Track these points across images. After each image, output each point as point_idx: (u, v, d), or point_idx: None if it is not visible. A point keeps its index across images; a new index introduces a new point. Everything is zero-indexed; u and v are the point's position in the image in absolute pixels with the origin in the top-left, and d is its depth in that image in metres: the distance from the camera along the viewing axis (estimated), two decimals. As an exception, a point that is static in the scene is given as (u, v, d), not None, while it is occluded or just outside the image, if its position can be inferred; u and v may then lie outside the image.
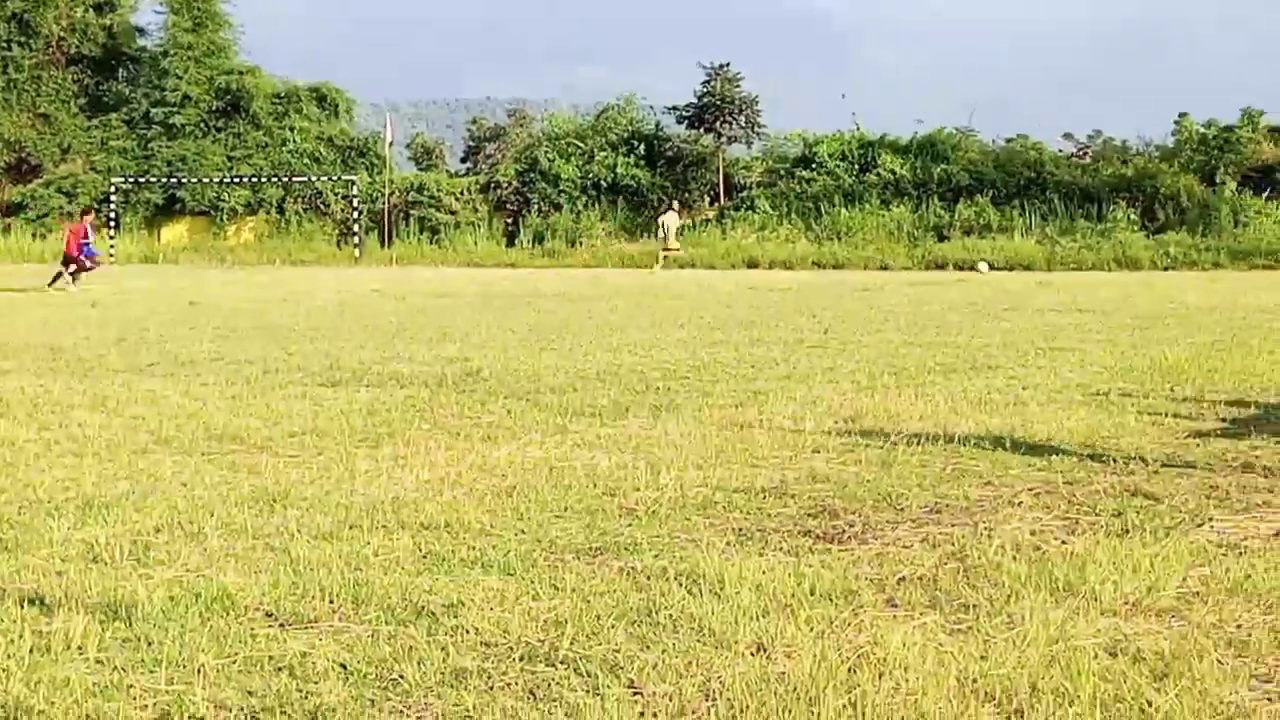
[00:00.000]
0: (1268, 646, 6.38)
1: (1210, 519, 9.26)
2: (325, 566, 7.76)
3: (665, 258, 60.09)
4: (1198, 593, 7.30)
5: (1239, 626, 6.68)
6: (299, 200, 78.72)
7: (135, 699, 5.76)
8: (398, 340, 23.10)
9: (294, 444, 12.30)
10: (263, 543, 8.49)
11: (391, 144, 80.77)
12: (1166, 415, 13.98)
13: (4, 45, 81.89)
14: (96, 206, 59.24)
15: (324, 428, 13.20)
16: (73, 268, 43.08)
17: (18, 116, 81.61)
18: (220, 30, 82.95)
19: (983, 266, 55.84)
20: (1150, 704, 5.59)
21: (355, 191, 74.57)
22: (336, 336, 24.05)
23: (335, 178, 77.54)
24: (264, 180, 77.64)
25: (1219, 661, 6.15)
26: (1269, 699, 5.77)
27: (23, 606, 6.98)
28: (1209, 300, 34.49)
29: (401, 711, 5.65)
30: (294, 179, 77.28)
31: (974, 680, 5.89)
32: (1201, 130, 72.25)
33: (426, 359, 19.73)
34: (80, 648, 6.41)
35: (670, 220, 61.46)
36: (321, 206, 78.59)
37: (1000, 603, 7.07)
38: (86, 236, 44.08)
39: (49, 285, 41.74)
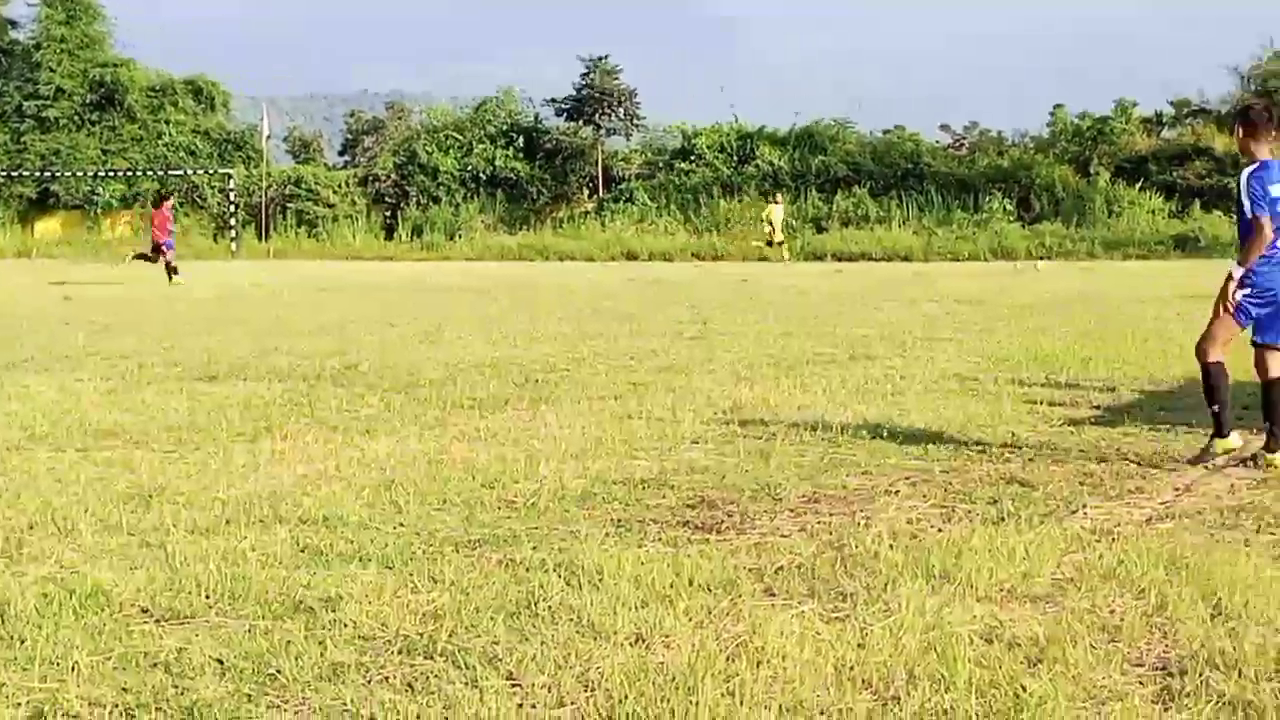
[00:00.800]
0: (1140, 631, 6.45)
1: (1084, 506, 9.36)
2: (202, 562, 7.69)
3: (777, 246, 59.20)
4: (1071, 579, 7.38)
5: (1112, 612, 6.75)
6: (175, 194, 78.06)
7: (8, 697, 5.68)
8: (275, 334, 22.93)
9: (170, 439, 12.19)
10: (138, 539, 8.40)
11: (269, 137, 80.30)
12: (1042, 404, 14.11)
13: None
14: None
15: (201, 423, 13.09)
16: (170, 255, 43.73)
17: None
18: (94, 23, 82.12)
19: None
20: (1025, 689, 5.64)
21: (232, 185, 74.12)
22: (213, 331, 23.87)
23: (212, 171, 77.08)
24: (139, 174, 76.98)
25: (1092, 646, 6.21)
26: (1141, 682, 5.83)
27: (-108, 605, 6.89)
28: (1083, 290, 34.83)
29: (279, 706, 5.61)
30: (170, 172, 76.61)
31: (851, 668, 5.92)
32: (1076, 122, 73.14)
33: (304, 353, 19.61)
34: (-49, 647, 6.33)
35: (776, 213, 60.32)
36: (198, 200, 78.05)
37: (877, 591, 7.11)
38: (169, 223, 45.49)
39: (170, 277, 42.56)
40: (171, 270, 42.53)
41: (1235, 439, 10.81)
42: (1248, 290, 10.88)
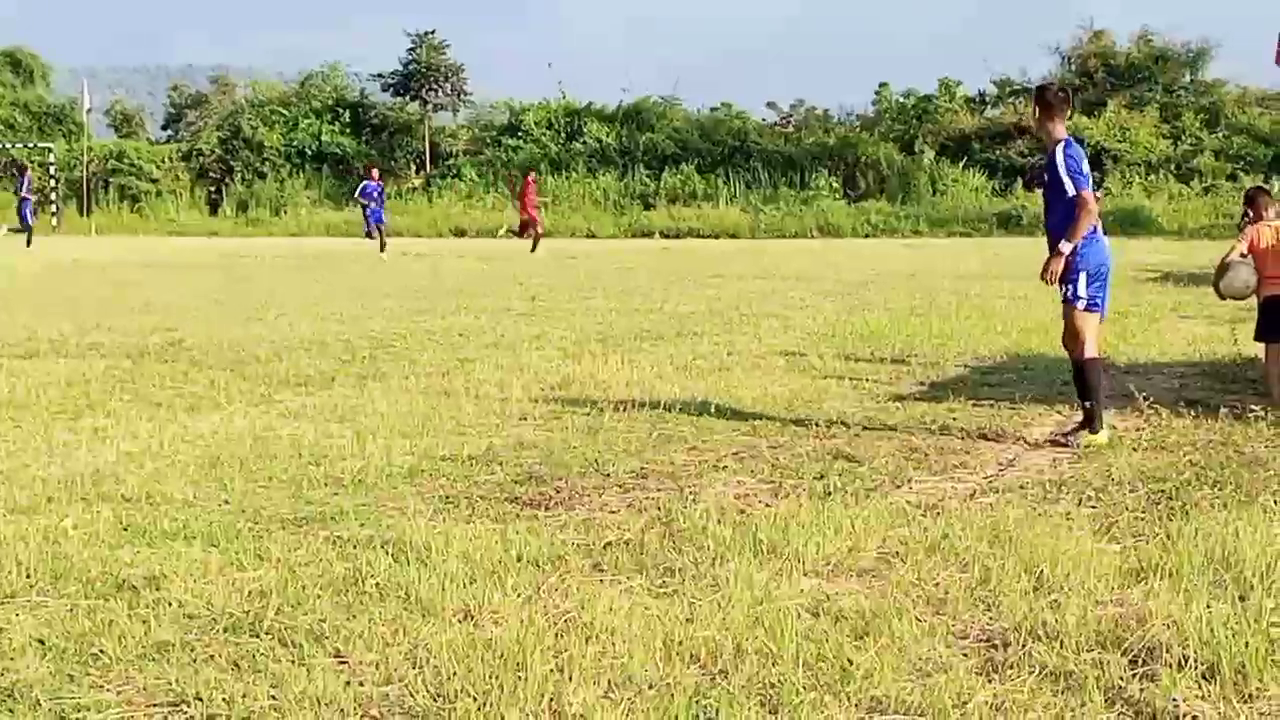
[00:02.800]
0: (964, 604, 6.53)
1: (909, 480, 9.47)
2: (22, 540, 7.58)
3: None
4: (897, 553, 7.46)
5: (937, 585, 6.83)
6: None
7: None
8: (98, 311, 22.62)
9: (-11, 417, 12.01)
10: (-44, 518, 8.28)
11: (90, 111, 79.02)
12: (867, 380, 14.24)
13: None
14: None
15: (21, 400, 12.90)
16: (540, 228, 45.63)
17: None
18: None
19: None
20: (851, 662, 5.70)
21: (52, 159, 72.85)
22: (34, 307, 23.51)
23: (31, 145, 75.68)
24: (-44, 147, 75.53)
25: (917, 619, 6.29)
26: (965, 654, 5.91)
27: None
28: (908, 267, 35.15)
29: (102, 686, 5.55)
30: (-13, 145, 75.24)
31: (679, 642, 5.94)
32: (901, 100, 73.73)
33: (128, 330, 19.37)
34: None
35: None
36: (17, 174, 76.68)
37: (705, 566, 7.15)
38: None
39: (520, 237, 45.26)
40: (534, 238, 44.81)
41: (1104, 436, 10.93)
42: (1091, 280, 11.05)
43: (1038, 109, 11.42)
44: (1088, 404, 11.03)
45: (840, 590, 6.77)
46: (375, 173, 46.47)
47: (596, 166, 70.44)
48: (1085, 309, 11.10)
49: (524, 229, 46.43)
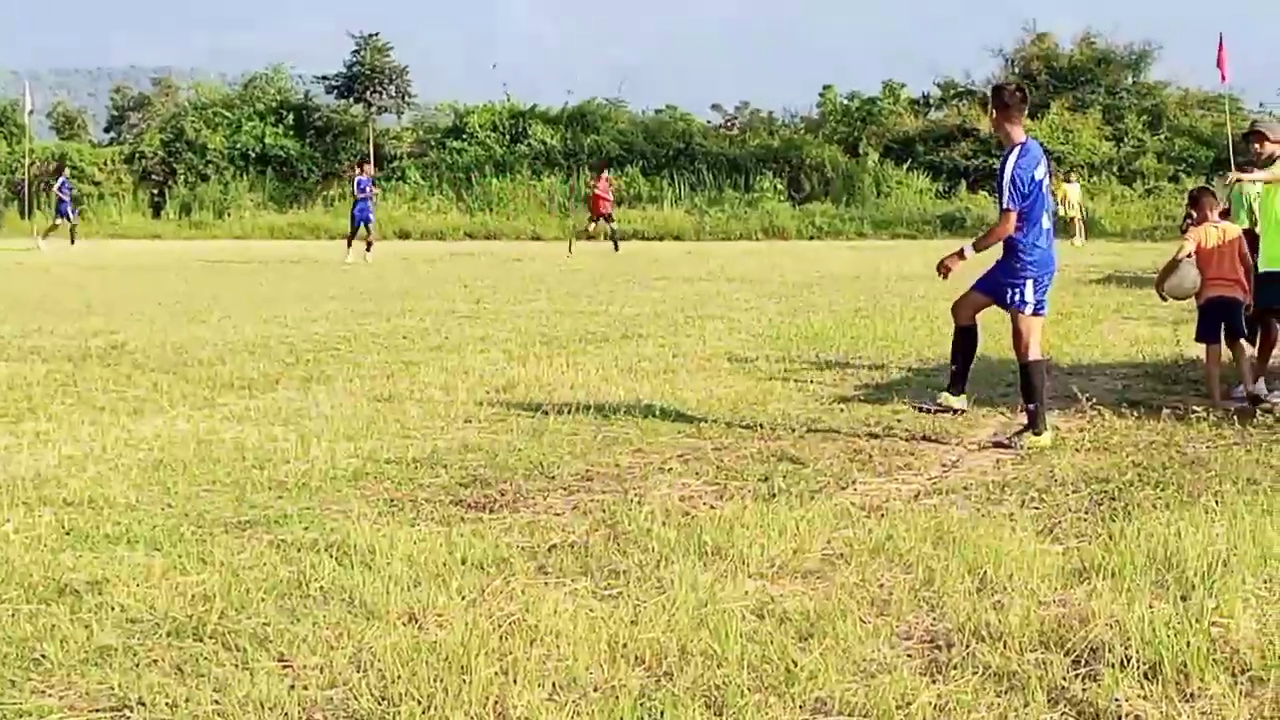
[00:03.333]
0: (908, 605, 6.55)
1: (854, 482, 9.50)
2: (-37, 545, 7.54)
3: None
4: (842, 554, 7.47)
5: (881, 586, 6.85)
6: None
7: None
8: (39, 313, 22.50)
9: (-71, 421, 11.94)
10: (-104, 522, 8.22)
11: (31, 112, 78.43)
12: (812, 381, 14.28)
13: None
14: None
15: (-39, 404, 12.83)
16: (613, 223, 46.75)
17: None
18: None
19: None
20: (796, 663, 5.71)
21: (-7, 162, 72.45)
22: (-25, 310, 23.37)
23: (-29, 147, 75.26)
24: (-107, 150, 75.03)
25: (862, 620, 6.30)
26: (909, 655, 5.93)
27: None
28: (853, 269, 35.26)
29: (44, 691, 5.52)
30: (-74, 148, 74.79)
31: (624, 645, 5.94)
32: (845, 102, 73.96)
33: (70, 333, 19.27)
34: None
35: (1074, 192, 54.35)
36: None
37: (650, 568, 7.15)
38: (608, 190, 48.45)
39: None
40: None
41: (1047, 438, 10.97)
42: (1037, 286, 11.15)
43: (994, 110, 11.51)
44: (1031, 405, 11.08)
45: (785, 592, 6.78)
46: (369, 168, 46.21)
47: (541, 169, 70.40)
48: (1032, 314, 11.17)
49: (591, 229, 48.03)
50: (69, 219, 53.71)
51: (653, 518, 8.25)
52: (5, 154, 74.63)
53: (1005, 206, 11.02)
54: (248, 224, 67.65)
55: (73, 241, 52.21)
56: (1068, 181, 55.42)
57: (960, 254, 11.23)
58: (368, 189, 43.43)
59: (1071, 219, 52.51)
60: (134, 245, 56.53)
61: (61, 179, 54.37)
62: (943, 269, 11.42)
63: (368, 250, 41.03)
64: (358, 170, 45.00)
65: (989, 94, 11.87)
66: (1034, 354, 11.19)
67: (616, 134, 72.11)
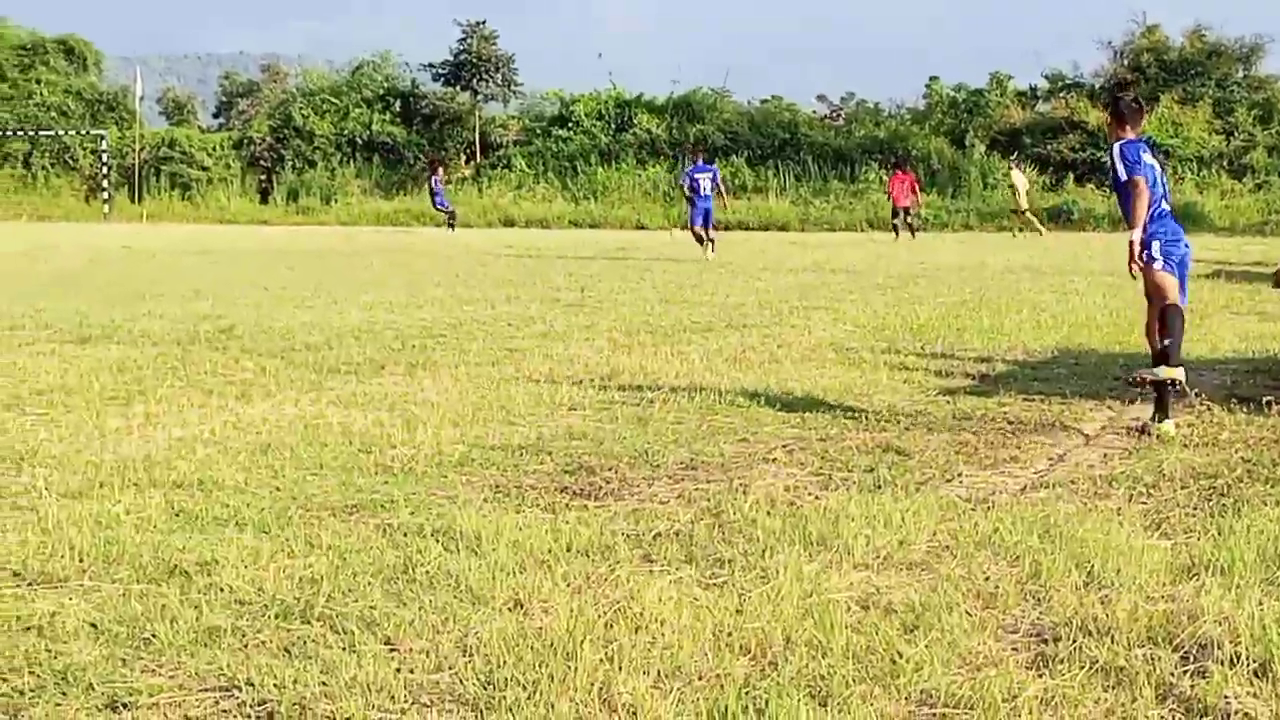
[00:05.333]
0: (1014, 599, 6.51)
1: (959, 474, 9.43)
2: (75, 525, 7.62)
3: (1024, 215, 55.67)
4: (947, 546, 7.43)
5: (986, 579, 6.81)
6: (45, 155, 77.08)
7: (-122, 661, 5.62)
8: (149, 297, 22.72)
9: (42, 402, 12.06)
10: (9, 502, 8.32)
11: (142, 98, 79.43)
12: (917, 373, 14.21)
13: None
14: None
15: (73, 385, 12.96)
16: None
17: None
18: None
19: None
20: (901, 655, 5.68)
21: (104, 146, 73.20)
22: (86, 293, 23.63)
23: (84, 132, 76.07)
24: (9, 134, 75.91)
25: (967, 613, 6.27)
26: (1015, 649, 5.89)
27: None
28: (958, 260, 35.06)
29: (154, 670, 5.56)
30: (40, 133, 75.64)
31: (729, 633, 5.94)
32: (951, 94, 73.55)
33: (179, 316, 19.45)
34: None
35: (1018, 178, 55.13)
36: (69, 161, 77.13)
37: (755, 557, 7.14)
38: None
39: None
40: None
41: (1180, 372, 10.98)
42: (1164, 245, 11.14)
43: (1110, 117, 11.56)
44: (1165, 342, 11.07)
45: (890, 583, 6.75)
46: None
47: (646, 158, 70.46)
48: (1162, 269, 11.14)
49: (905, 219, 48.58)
50: (446, 209, 55.12)
51: (758, 507, 8.23)
52: (116, 139, 75.32)
53: (1129, 176, 11.04)
54: (354, 210, 68.09)
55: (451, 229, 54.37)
56: (1015, 167, 55.54)
57: (1131, 244, 11.17)
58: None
59: (1022, 210, 52.88)
60: (241, 230, 57.01)
61: (435, 176, 55.48)
62: (1134, 268, 11.31)
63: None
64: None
65: (1107, 102, 11.85)
66: (1172, 298, 11.16)
67: (722, 124, 72.03)
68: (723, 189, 38.43)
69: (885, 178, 57.14)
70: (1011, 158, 60.54)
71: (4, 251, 38.49)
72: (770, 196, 65.57)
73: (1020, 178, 53.79)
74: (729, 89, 77.18)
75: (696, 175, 37.10)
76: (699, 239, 36.12)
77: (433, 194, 54.62)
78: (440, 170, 56.05)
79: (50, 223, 65.50)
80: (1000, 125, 69.06)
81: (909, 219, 48.92)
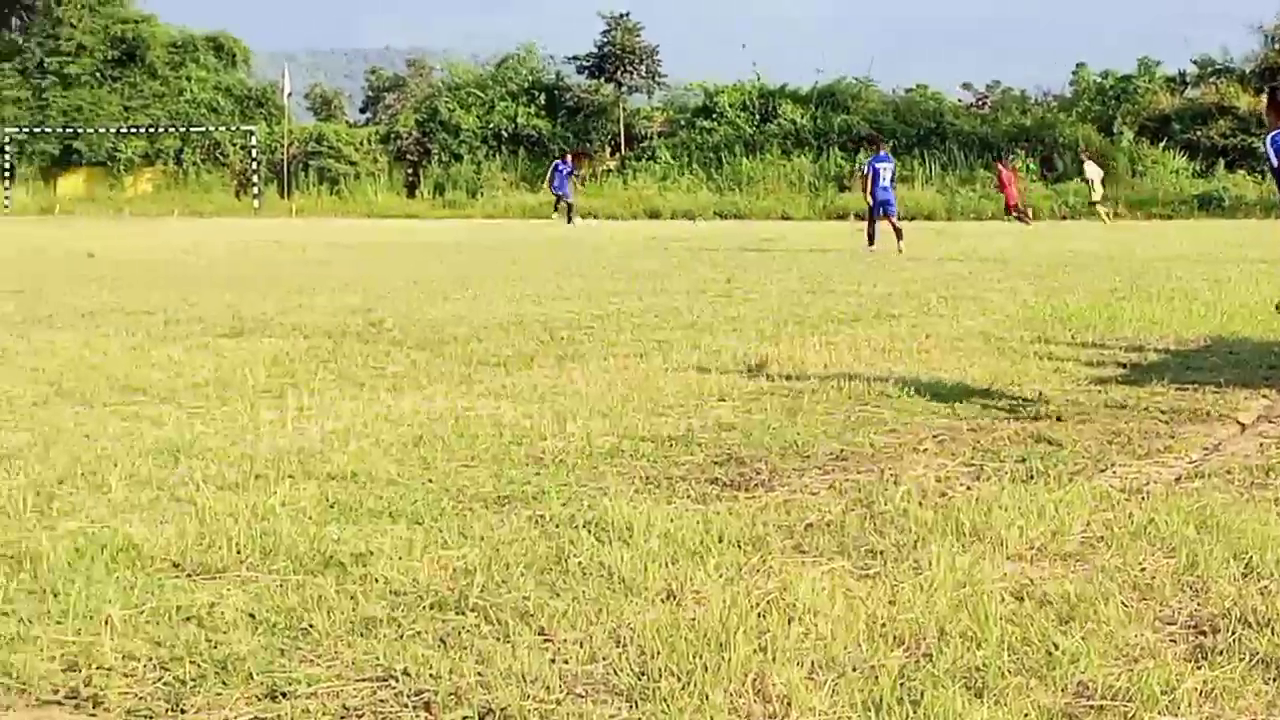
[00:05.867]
0: (1171, 590, 6.44)
1: (1113, 464, 9.34)
2: (231, 517, 7.71)
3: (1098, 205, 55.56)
4: (1102, 537, 7.36)
5: (1143, 570, 6.74)
6: (197, 151, 78.18)
7: (43, 650, 5.70)
8: (300, 291, 22.96)
9: (197, 395, 12.21)
10: (168, 494, 8.42)
11: (290, 94, 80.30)
12: (1068, 362, 14.08)
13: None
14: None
15: (227, 378, 13.12)
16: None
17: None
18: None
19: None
20: (1057, 646, 5.64)
21: (254, 142, 74.14)
22: (238, 287, 23.90)
23: (233, 128, 77.09)
24: (161, 131, 77.05)
25: (1124, 604, 6.20)
26: (1173, 640, 5.83)
27: (-75, 559, 6.90)
28: (1108, 249, 34.74)
29: (312, 660, 5.62)
30: (192, 129, 76.72)
31: (883, 624, 5.92)
32: (1099, 81, 72.84)
33: (329, 309, 19.65)
34: (-15, 600, 6.34)
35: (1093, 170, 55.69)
36: (220, 157, 78.21)
37: (907, 548, 7.11)
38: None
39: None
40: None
41: None
42: None
43: (1268, 107, 11.47)
44: None
45: (1044, 574, 6.70)
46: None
47: (791, 148, 70.37)
48: None
49: (1015, 211, 49.86)
50: (566, 197, 56.74)
51: (909, 498, 8.20)
52: (265, 135, 76.21)
53: None
54: (500, 203, 68.48)
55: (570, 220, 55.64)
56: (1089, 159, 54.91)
57: None
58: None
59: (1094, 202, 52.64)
60: (389, 224, 57.49)
61: (560, 163, 57.16)
62: None
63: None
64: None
65: (1267, 90, 11.70)
66: None
67: (867, 113, 71.77)
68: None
69: (994, 174, 56.78)
70: (1084, 151, 60.12)
71: (157, 246, 39.02)
72: (916, 185, 65.23)
73: (1094, 169, 53.72)
74: (873, 78, 76.90)
75: (877, 165, 36.78)
76: (871, 236, 35.84)
77: (553, 179, 56.38)
78: (569, 159, 57.65)
79: (202, 218, 66.34)
80: (1149, 112, 68.31)
81: (1021, 209, 50.28)
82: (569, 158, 56.89)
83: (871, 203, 36.69)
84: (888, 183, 36.45)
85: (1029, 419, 10.96)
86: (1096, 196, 54.01)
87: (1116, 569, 6.75)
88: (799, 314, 18.97)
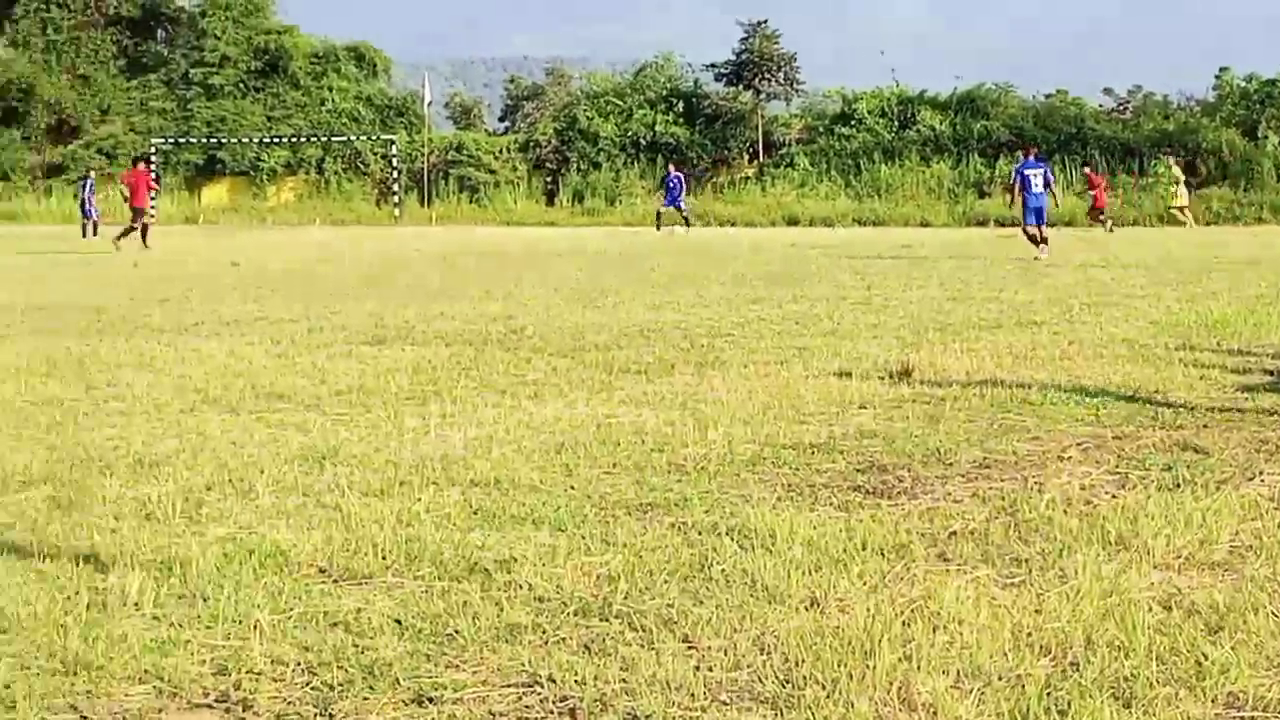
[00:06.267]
0: (1323, 600, 6.36)
1: (1261, 473, 9.21)
2: (377, 523, 7.77)
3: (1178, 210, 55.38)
4: (1250, 546, 7.27)
5: (1293, 580, 6.66)
6: (338, 160, 78.91)
7: (193, 654, 5.78)
8: (441, 299, 23.11)
9: (341, 402, 12.32)
10: (314, 500, 8.51)
11: (430, 103, 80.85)
12: (1214, 369, 13.92)
13: (43, 6, 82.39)
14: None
15: (371, 386, 13.23)
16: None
17: (57, 78, 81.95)
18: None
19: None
20: (1206, 656, 5.58)
21: (394, 151, 74.75)
22: (380, 295, 24.11)
23: (374, 137, 77.77)
24: (303, 140, 77.86)
25: (1274, 614, 6.12)
26: (1325, 651, 5.76)
27: (79, 564, 6.99)
28: (1253, 254, 34.34)
29: (458, 666, 5.66)
30: (333, 139, 77.46)
31: (1029, 633, 5.88)
32: (1243, 85, 71.98)
33: (470, 317, 19.77)
34: (136, 604, 6.41)
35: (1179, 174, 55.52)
36: (361, 166, 78.88)
37: (1052, 556, 7.06)
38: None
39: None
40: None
41: None
42: None
43: None
44: None
45: (1192, 583, 6.63)
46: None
47: (930, 155, 70.08)
48: None
49: (1099, 217, 51.08)
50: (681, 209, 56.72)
51: (1053, 506, 8.13)
52: (405, 144, 76.82)
53: None
54: (638, 210, 68.54)
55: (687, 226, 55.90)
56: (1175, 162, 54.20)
57: None
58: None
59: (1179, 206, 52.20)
60: (528, 232, 57.74)
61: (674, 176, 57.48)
62: None
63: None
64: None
65: None
66: None
67: (1006, 119, 71.32)
68: (1054, 187, 37.64)
69: (1086, 181, 56.32)
70: (1167, 153, 59.58)
71: (300, 256, 39.41)
72: (1057, 191, 64.66)
73: (1179, 172, 53.35)
74: (1013, 83, 76.41)
75: (1027, 171, 36.26)
76: (1032, 239, 35.48)
77: (667, 189, 56.41)
78: (675, 172, 57.82)
79: (343, 226, 66.95)
80: (1295, 116, 67.44)
81: (1104, 215, 51.29)
82: (675, 169, 57.78)
83: (1022, 210, 36.14)
84: (1040, 189, 35.71)
85: (1174, 427, 10.85)
86: (1183, 201, 53.51)
87: (1267, 578, 6.66)
88: (940, 320, 18.88)
